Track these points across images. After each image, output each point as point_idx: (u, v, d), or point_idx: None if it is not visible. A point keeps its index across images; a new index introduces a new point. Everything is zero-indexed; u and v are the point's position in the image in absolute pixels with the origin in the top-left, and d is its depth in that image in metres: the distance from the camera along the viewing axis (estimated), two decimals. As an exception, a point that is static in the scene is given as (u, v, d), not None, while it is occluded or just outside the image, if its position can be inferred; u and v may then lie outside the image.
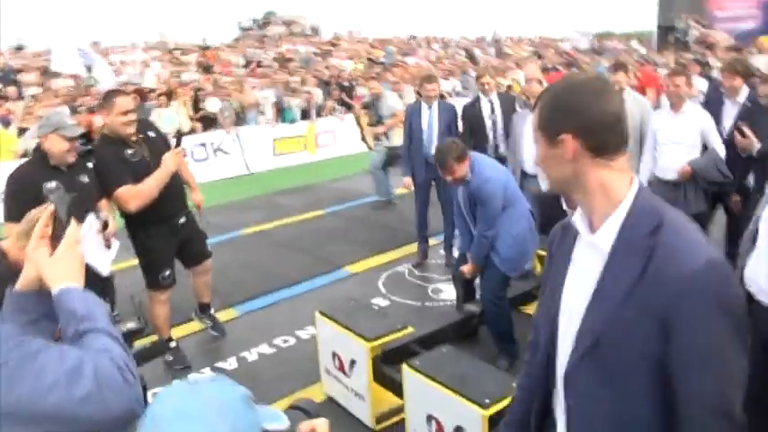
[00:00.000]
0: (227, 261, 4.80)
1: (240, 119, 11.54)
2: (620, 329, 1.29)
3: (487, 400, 2.72)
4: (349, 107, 13.16)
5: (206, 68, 14.18)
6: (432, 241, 6.61)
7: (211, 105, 11.38)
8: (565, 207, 3.57)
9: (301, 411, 1.27)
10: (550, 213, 3.74)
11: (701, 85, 16.49)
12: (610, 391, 1.34)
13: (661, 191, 4.58)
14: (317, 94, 12.71)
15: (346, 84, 13.58)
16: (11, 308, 1.35)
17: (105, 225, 3.73)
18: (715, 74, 19.49)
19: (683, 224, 1.32)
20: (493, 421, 2.72)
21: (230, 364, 4.50)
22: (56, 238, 1.33)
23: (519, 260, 4.18)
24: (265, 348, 4.70)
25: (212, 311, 4.91)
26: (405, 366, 3.14)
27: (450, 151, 3.96)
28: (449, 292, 5.74)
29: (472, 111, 6.17)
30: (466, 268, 4.24)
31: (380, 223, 7.97)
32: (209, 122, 11.33)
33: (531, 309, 4.93)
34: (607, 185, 1.36)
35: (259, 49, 17.21)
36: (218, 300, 5.07)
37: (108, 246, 3.73)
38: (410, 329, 3.67)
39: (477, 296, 4.58)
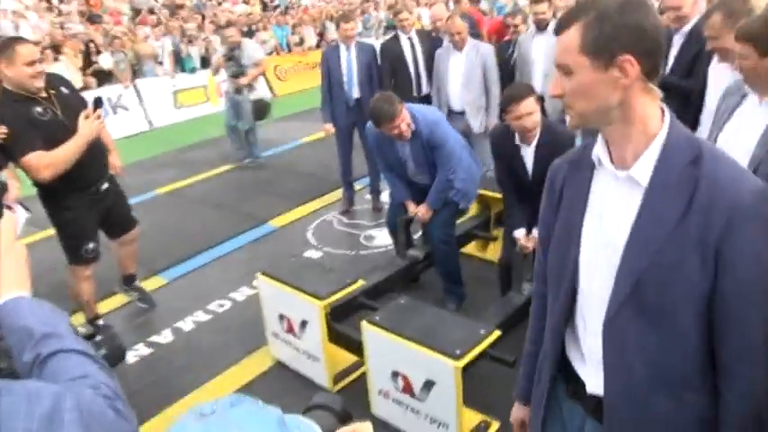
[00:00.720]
0: (144, 225, 4.40)
1: (136, 71, 10.65)
2: (666, 267, 1.23)
3: (458, 351, 2.64)
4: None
5: (91, 18, 12.91)
6: (356, 186, 6.43)
7: (104, 59, 10.40)
8: (518, 142, 3.49)
9: (326, 410, 1.06)
10: (498, 150, 3.65)
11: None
12: (653, 337, 1.27)
13: None
14: (216, 42, 11.91)
15: (245, 29, 12.81)
16: None
17: (3, 189, 3.27)
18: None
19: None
20: (465, 372, 2.66)
21: (165, 336, 4.19)
22: None
23: (473, 189, 4.21)
24: (201, 316, 4.42)
25: (137, 282, 4.54)
26: (365, 323, 3.00)
27: (393, 101, 3.74)
28: (381, 238, 5.64)
29: (392, 50, 5.92)
30: (422, 212, 4.12)
31: (299, 172, 7.68)
32: (103, 77, 10.38)
33: (469, 249, 4.93)
34: (647, 115, 1.27)
35: (145, -5, 15.88)
36: (141, 268, 4.68)
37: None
38: (361, 282, 3.52)
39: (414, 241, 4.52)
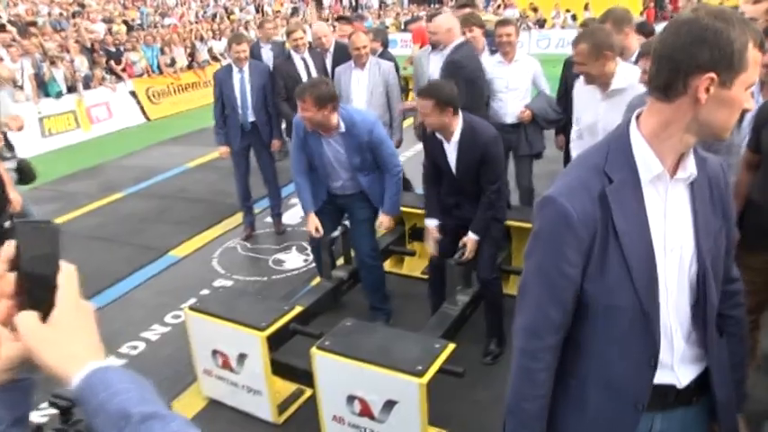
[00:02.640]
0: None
1: (-10, 98, 9.65)
2: (718, 236, 1.50)
3: (419, 367, 2.65)
4: (119, 76, 11.82)
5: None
6: (255, 209, 6.25)
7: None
8: (440, 138, 3.63)
9: None
10: (427, 147, 3.83)
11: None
12: (716, 297, 1.52)
13: (502, 135, 4.82)
14: (83, 63, 11.14)
15: (113, 49, 12.10)
16: None
17: None
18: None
19: None
20: (429, 389, 2.67)
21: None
22: (34, 297, 0.85)
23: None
24: (112, 361, 4.06)
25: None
26: (315, 350, 2.91)
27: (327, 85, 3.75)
28: (290, 262, 5.54)
29: (286, 69, 5.86)
30: (385, 222, 4.13)
31: (191, 198, 7.34)
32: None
33: (386, 265, 4.95)
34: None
35: (-12, 12, 14.52)
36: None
37: None
38: (299, 308, 3.43)
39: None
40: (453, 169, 3.65)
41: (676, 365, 1.50)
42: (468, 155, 3.56)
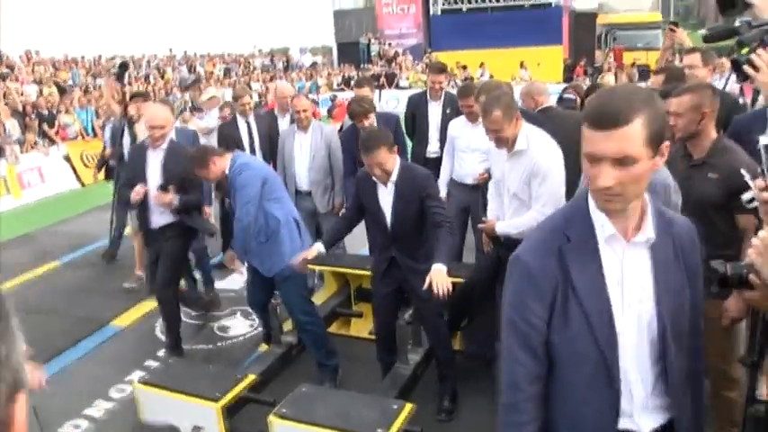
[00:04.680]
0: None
1: None
2: (681, 296, 1.59)
3: (380, 430, 2.71)
4: (53, 140, 11.58)
5: None
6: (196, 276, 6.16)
7: None
8: (375, 180, 3.60)
9: None
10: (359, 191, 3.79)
11: (390, 94, 18.44)
12: (683, 354, 1.62)
13: (460, 193, 5.02)
14: (13, 127, 10.87)
15: (45, 113, 11.88)
16: None
17: None
18: (403, 83, 22.08)
19: (679, 204, 1.80)
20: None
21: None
22: None
23: (243, 242, 4.06)
24: (53, 442, 3.91)
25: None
26: (273, 418, 2.93)
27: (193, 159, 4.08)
28: (236, 328, 5.50)
29: (228, 133, 5.96)
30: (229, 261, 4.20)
31: (131, 266, 7.17)
32: None
33: (333, 328, 4.98)
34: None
35: None
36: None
37: None
38: (253, 377, 3.44)
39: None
40: (387, 215, 3.59)
41: (636, 414, 1.62)
42: (407, 196, 3.51)
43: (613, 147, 1.40)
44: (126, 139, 6.10)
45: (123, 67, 6.01)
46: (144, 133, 6.42)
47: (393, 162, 3.50)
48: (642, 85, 5.95)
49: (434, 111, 5.80)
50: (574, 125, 3.99)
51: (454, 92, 5.99)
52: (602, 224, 1.54)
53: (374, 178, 3.55)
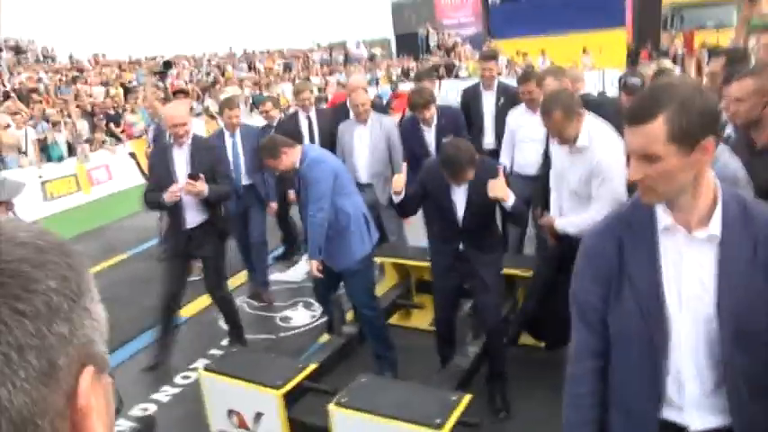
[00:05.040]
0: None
1: (-3, 164, 9.81)
2: (753, 299, 1.46)
3: (438, 420, 2.68)
4: (119, 138, 12.02)
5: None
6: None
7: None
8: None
9: None
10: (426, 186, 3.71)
11: (451, 85, 18.27)
12: (751, 360, 1.49)
13: (522, 185, 4.83)
14: (83, 127, 11.36)
15: (112, 112, 12.36)
16: None
17: None
18: (463, 73, 21.83)
19: (752, 198, 1.59)
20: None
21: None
22: None
23: (320, 242, 3.99)
24: (122, 424, 4.06)
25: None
26: (332, 407, 2.94)
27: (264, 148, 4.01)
28: (298, 318, 5.57)
29: (289, 127, 5.99)
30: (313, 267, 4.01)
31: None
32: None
33: (393, 319, 4.98)
34: (711, 182, 1.49)
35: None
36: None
37: None
38: (314, 366, 3.46)
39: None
40: (460, 212, 3.57)
41: (687, 408, 1.58)
42: (482, 192, 3.45)
43: (636, 143, 1.45)
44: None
45: (167, 65, 5.97)
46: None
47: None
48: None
49: (488, 101, 5.70)
50: (612, 113, 3.86)
51: (514, 82, 5.88)
52: (661, 213, 1.53)
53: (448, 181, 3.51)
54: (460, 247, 3.66)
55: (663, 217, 1.52)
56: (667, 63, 7.98)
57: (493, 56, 6.17)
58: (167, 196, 4.27)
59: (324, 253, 3.99)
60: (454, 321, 3.88)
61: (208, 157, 4.42)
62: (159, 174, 4.41)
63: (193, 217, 4.45)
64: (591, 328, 1.64)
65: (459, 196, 3.55)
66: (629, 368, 1.61)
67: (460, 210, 3.56)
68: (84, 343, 0.54)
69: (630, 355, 1.60)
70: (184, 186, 4.26)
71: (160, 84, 6.34)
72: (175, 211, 4.43)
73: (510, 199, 3.39)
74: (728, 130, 3.08)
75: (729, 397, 1.53)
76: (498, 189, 3.34)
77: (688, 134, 1.39)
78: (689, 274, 1.52)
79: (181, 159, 4.40)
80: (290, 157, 3.97)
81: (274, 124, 6.10)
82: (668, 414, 1.60)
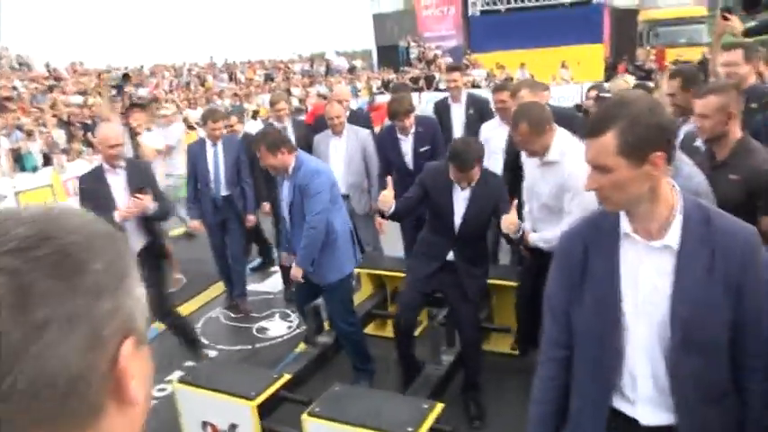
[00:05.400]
0: None
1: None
2: (705, 310, 1.54)
3: (410, 429, 2.71)
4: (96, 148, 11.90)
5: None
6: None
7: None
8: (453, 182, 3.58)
9: None
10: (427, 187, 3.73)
11: (431, 96, 18.44)
12: (701, 365, 1.57)
13: None
14: (60, 136, 11.25)
15: (89, 122, 12.26)
16: None
17: None
18: (443, 85, 22.01)
19: (717, 210, 1.61)
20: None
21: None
22: None
23: (313, 254, 3.99)
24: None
25: None
26: (306, 417, 2.96)
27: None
28: (274, 329, 5.57)
29: None
30: (293, 273, 3.99)
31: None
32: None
33: (369, 329, 5.00)
34: (668, 193, 1.56)
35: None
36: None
37: None
38: (288, 376, 3.48)
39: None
40: (458, 219, 3.57)
41: (639, 403, 1.67)
42: (481, 204, 3.51)
43: (590, 154, 1.55)
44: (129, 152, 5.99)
45: (125, 78, 5.82)
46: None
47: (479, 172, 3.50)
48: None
49: (457, 113, 5.77)
50: (566, 122, 3.94)
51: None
52: (624, 221, 1.61)
53: (453, 179, 3.51)
54: (450, 256, 3.66)
55: (624, 224, 1.62)
56: (630, 79, 8.12)
57: (456, 67, 6.25)
58: (120, 215, 4.09)
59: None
60: (416, 320, 3.88)
61: (145, 179, 4.28)
62: (95, 200, 4.05)
63: (135, 242, 4.23)
64: (557, 323, 1.77)
65: (460, 202, 3.55)
66: (586, 361, 1.72)
67: (459, 215, 3.57)
68: (126, 319, 0.63)
69: (588, 349, 1.71)
70: (132, 203, 4.12)
71: (116, 97, 6.24)
72: None
73: (519, 232, 3.41)
74: (698, 142, 3.18)
75: (677, 399, 1.61)
76: (510, 224, 3.33)
77: (637, 148, 1.48)
78: (645, 281, 1.60)
79: (117, 183, 4.21)
80: (286, 160, 3.91)
81: (286, 124, 6.06)
82: (622, 407, 1.70)
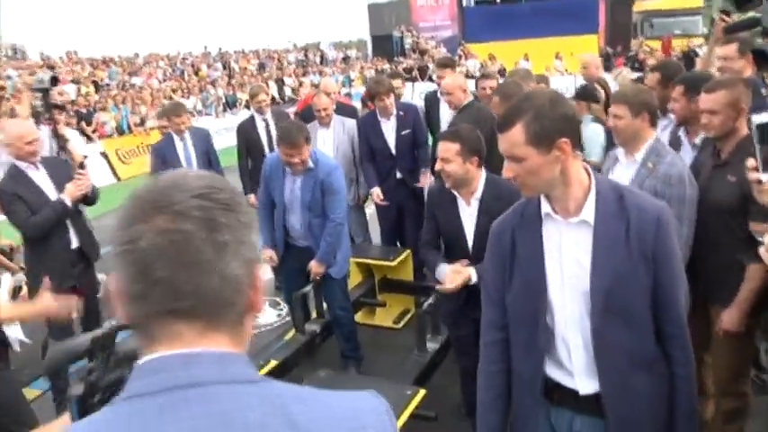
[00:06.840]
0: None
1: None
2: (624, 278, 1.65)
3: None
4: (90, 137, 11.93)
5: None
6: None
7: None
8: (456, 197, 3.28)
9: None
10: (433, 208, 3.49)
11: (423, 87, 18.42)
12: (625, 332, 1.68)
13: None
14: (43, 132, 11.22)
15: (84, 111, 12.26)
16: None
17: None
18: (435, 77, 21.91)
19: (632, 189, 1.79)
20: (400, 433, 2.78)
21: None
22: None
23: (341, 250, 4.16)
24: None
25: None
26: (290, 402, 3.01)
27: (302, 131, 3.80)
28: (264, 317, 5.61)
29: (248, 130, 5.96)
30: (314, 268, 4.03)
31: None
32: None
33: (358, 317, 5.04)
34: (580, 174, 1.68)
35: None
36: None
37: None
38: (274, 363, 3.53)
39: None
40: (470, 237, 3.12)
41: (577, 374, 1.77)
42: (494, 215, 2.80)
43: (503, 147, 1.69)
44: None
45: (54, 81, 5.30)
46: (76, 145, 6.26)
47: (478, 176, 3.05)
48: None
49: (445, 107, 5.76)
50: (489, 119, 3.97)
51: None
52: (543, 203, 1.73)
53: (454, 192, 3.12)
54: (474, 278, 2.99)
55: (545, 206, 1.74)
56: (627, 72, 8.05)
57: (447, 63, 6.17)
58: (71, 195, 3.87)
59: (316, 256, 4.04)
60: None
61: (64, 172, 4.03)
62: (27, 199, 3.78)
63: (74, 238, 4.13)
64: (494, 305, 1.87)
65: (468, 217, 3.13)
66: (519, 338, 1.83)
67: (470, 233, 3.12)
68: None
69: (520, 326, 1.81)
70: (78, 176, 3.95)
71: (38, 103, 5.74)
72: (61, 232, 4.02)
73: None
74: (680, 133, 3.23)
75: (603, 367, 1.71)
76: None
77: (543, 137, 1.61)
78: (568, 255, 1.71)
79: (42, 179, 3.91)
80: (307, 153, 3.81)
81: (267, 116, 6.00)
82: (563, 380, 1.79)
